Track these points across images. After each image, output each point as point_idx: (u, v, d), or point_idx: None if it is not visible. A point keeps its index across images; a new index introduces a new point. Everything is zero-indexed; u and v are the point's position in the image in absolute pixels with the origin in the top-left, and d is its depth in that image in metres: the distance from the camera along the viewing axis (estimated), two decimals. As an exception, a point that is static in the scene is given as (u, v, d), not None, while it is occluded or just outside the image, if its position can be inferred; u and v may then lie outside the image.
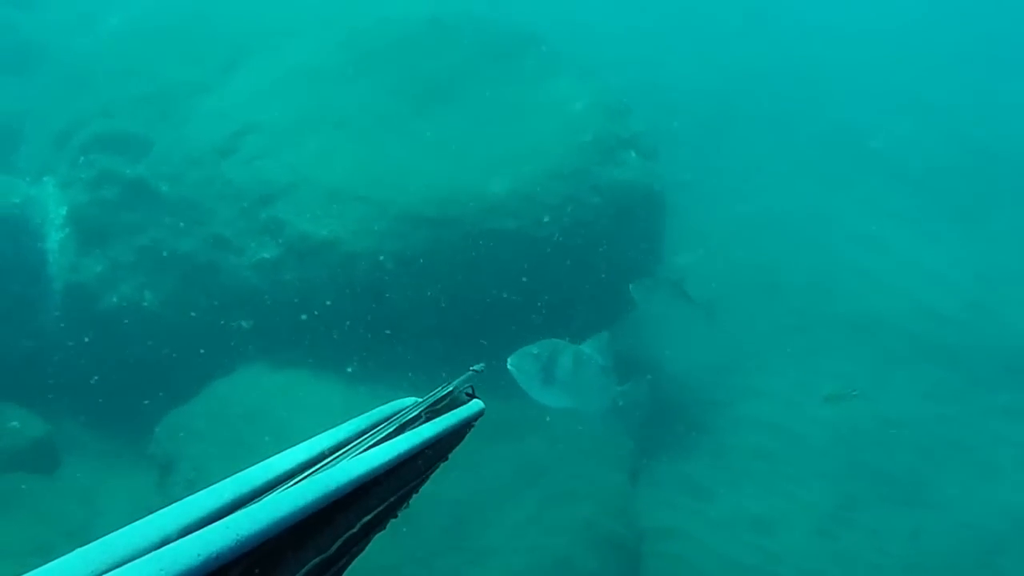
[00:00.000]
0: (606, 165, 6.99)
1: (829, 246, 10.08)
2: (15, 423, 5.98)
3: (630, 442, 6.62)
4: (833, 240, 10.22)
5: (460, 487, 5.61)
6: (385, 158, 6.87)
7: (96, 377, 6.26)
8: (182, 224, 6.69)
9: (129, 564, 0.74)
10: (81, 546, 0.75)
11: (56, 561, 0.74)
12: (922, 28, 14.75)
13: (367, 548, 0.99)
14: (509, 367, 4.66)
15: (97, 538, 0.77)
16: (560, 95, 7.53)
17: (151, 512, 0.82)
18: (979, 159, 12.05)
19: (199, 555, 0.76)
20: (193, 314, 6.56)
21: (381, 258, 6.34)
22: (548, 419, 5.97)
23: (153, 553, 0.76)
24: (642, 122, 7.49)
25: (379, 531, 1.01)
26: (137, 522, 0.81)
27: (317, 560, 0.90)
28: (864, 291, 9.39)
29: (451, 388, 1.16)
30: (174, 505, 0.85)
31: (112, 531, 0.79)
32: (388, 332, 6.31)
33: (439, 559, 5.46)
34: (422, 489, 1.07)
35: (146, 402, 6.24)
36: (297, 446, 1.00)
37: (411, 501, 1.06)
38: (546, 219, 6.59)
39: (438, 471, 1.10)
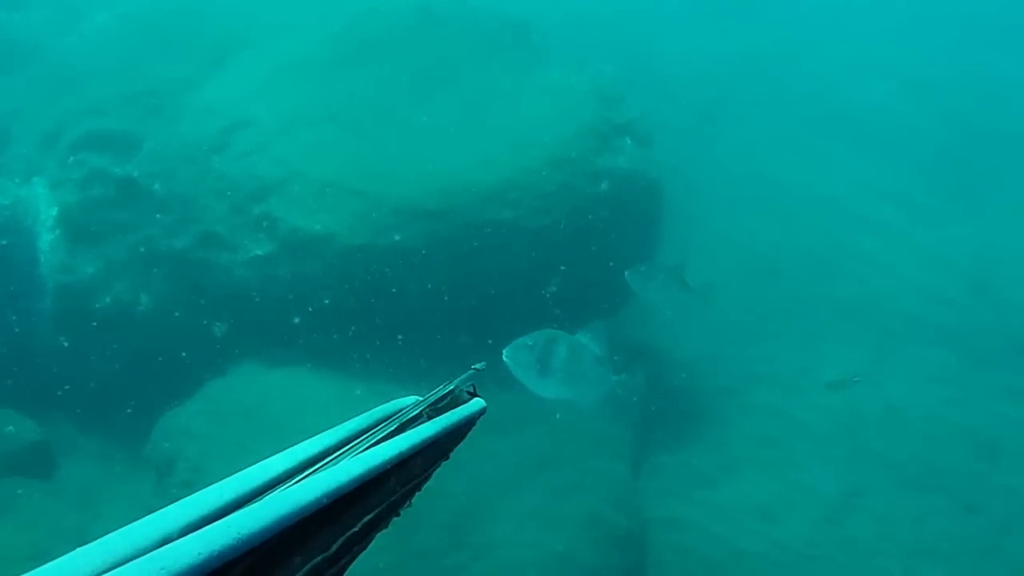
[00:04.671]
0: (602, 153, 6.91)
1: (827, 229, 10.00)
2: (10, 427, 5.92)
3: (631, 433, 6.57)
4: (831, 222, 10.14)
5: (461, 482, 5.55)
6: (379, 150, 6.77)
7: (93, 381, 6.19)
8: (174, 222, 6.61)
9: (130, 563, 0.75)
10: (81, 546, 0.75)
11: (57, 560, 0.74)
12: (919, 4, 14.65)
13: (369, 547, 0.98)
14: (504, 358, 4.58)
15: (96, 539, 0.77)
16: (554, 83, 7.44)
17: (151, 511, 0.82)
18: (976, 138, 11.97)
19: (200, 554, 0.77)
20: (183, 314, 6.49)
21: (377, 252, 6.27)
22: (558, 416, 5.90)
23: (154, 552, 0.77)
24: (636, 109, 7.41)
25: (381, 530, 1.01)
26: (138, 521, 0.81)
27: (319, 559, 0.91)
28: (864, 274, 9.33)
29: (452, 387, 1.16)
30: (175, 504, 0.85)
31: (112, 531, 0.79)
32: (386, 327, 6.24)
33: (442, 556, 5.40)
34: (424, 487, 1.07)
35: (142, 403, 6.18)
36: (298, 445, 1.00)
37: (413, 500, 1.06)
38: (544, 208, 6.51)
39: (440, 469, 1.10)
